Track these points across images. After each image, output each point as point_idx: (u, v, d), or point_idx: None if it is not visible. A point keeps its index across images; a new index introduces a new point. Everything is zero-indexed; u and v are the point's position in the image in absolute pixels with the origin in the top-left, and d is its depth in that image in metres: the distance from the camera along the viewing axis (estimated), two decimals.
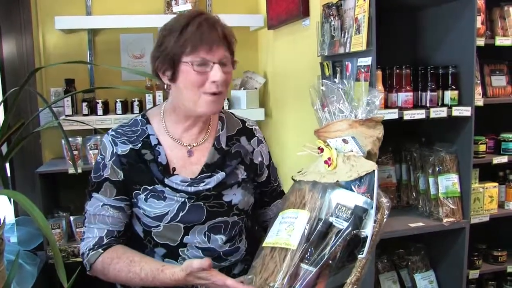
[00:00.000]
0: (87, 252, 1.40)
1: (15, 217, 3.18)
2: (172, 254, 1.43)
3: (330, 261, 1.15)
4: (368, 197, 1.19)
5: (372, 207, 1.18)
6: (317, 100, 1.35)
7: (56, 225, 3.00)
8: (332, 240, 1.16)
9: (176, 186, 1.40)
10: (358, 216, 1.17)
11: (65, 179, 3.12)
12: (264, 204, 1.64)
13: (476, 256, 2.60)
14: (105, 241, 1.41)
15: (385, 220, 1.21)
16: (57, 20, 3.08)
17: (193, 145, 1.46)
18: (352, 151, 1.29)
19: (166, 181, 1.40)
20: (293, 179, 1.35)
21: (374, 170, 1.22)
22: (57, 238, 3.00)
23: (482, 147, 2.54)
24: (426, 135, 2.59)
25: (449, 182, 2.35)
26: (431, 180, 2.39)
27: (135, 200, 1.42)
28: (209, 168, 1.45)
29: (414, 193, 2.55)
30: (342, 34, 2.30)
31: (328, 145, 1.32)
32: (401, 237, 2.33)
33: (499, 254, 2.66)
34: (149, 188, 1.41)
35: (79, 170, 2.87)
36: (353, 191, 1.21)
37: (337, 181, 1.24)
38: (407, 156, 2.58)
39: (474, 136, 2.33)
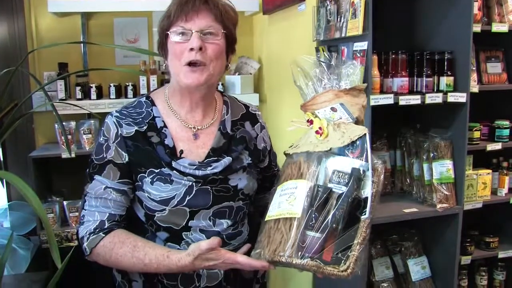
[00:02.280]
0: (87, 235, 1.36)
1: (8, 201, 3.17)
2: (175, 237, 1.41)
3: (335, 225, 1.17)
4: (362, 160, 1.23)
5: (368, 169, 1.22)
6: (300, 76, 1.37)
7: (49, 210, 2.98)
8: (334, 205, 1.19)
9: (183, 170, 1.38)
10: (356, 178, 1.21)
11: (59, 163, 3.09)
12: (264, 189, 1.63)
13: (469, 242, 2.61)
14: (107, 225, 1.37)
15: (381, 181, 1.24)
16: (50, 3, 3.02)
17: (198, 128, 1.45)
18: (341, 118, 1.32)
19: (174, 164, 1.37)
20: (285, 154, 1.38)
21: (365, 134, 1.26)
22: (50, 223, 2.99)
23: (477, 134, 2.54)
24: (421, 121, 2.59)
25: (443, 168, 2.35)
26: (425, 166, 2.39)
27: (139, 183, 1.39)
28: (215, 153, 1.43)
29: (408, 179, 2.56)
30: (338, 19, 2.28)
31: (316, 116, 1.35)
32: (395, 222, 2.34)
33: (491, 240, 2.68)
34: (156, 171, 1.38)
35: (73, 155, 2.86)
36: (347, 156, 1.25)
37: (331, 148, 1.27)
38: (401, 142, 2.58)
39: (468, 122, 2.33)
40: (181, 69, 1.35)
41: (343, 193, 1.20)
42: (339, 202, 1.19)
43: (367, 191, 1.20)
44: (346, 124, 1.31)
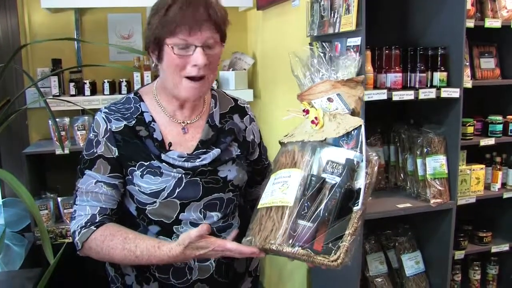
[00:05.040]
0: (79, 230, 1.36)
1: (2, 198, 3.16)
2: (167, 231, 1.42)
3: (327, 215, 1.17)
4: (357, 152, 1.23)
5: (362, 160, 1.22)
6: (298, 66, 1.37)
7: (43, 206, 2.98)
8: (327, 195, 1.19)
9: (173, 162, 1.39)
10: (350, 169, 1.21)
11: (53, 160, 3.09)
12: (255, 183, 1.65)
13: (462, 237, 2.62)
14: (98, 218, 1.37)
15: (375, 172, 1.25)
16: None
17: (187, 122, 1.46)
18: (337, 109, 1.32)
19: (163, 156, 1.39)
20: (280, 143, 1.38)
21: (361, 125, 1.26)
22: (44, 219, 2.98)
23: (470, 129, 2.55)
24: (415, 117, 2.59)
25: (436, 164, 2.36)
26: (419, 161, 2.40)
27: (130, 177, 1.39)
28: (204, 145, 1.44)
29: (402, 174, 2.57)
30: (332, 14, 2.29)
31: (312, 105, 1.35)
32: (389, 218, 2.35)
33: (484, 235, 2.69)
34: (145, 164, 1.39)
35: (66, 151, 2.85)
36: (342, 147, 1.25)
37: (326, 138, 1.27)
38: (395, 137, 2.58)
39: (462, 118, 2.34)
40: (180, 81, 1.34)
41: (336, 183, 1.20)
42: (331, 192, 1.19)
43: (361, 182, 1.20)
44: (342, 115, 1.31)
